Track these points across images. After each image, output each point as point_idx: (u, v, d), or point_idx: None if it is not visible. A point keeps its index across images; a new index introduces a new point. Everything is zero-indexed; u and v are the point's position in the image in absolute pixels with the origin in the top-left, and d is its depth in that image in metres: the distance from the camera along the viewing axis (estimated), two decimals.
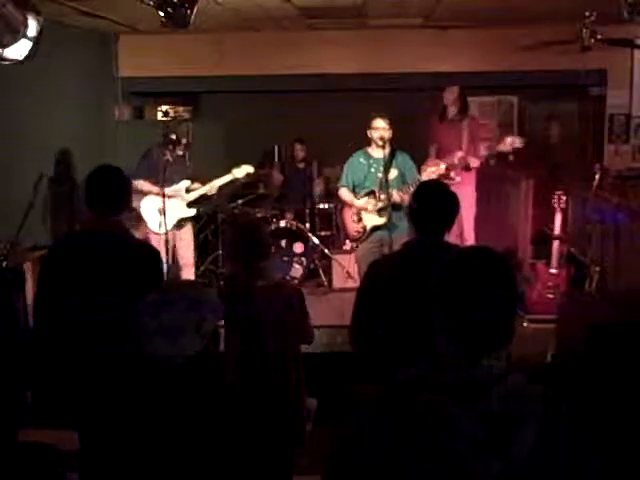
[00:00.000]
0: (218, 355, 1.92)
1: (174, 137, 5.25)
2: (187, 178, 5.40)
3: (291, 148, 7.51)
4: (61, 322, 2.88)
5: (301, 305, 3.20)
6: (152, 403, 1.76)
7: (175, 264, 5.48)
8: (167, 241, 5.14)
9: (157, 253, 3.07)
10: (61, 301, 2.89)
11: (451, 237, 5.63)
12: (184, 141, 5.33)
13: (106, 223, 2.94)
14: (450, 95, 5.91)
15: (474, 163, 5.70)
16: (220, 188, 5.52)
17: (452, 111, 5.93)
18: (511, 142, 5.50)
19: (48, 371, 2.95)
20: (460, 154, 5.68)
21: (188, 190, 5.38)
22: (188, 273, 5.57)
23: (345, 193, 5.05)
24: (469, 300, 1.37)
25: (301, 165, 7.48)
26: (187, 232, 5.56)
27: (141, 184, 5.25)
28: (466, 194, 5.86)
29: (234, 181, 5.58)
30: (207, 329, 1.81)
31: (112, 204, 2.95)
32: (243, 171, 5.45)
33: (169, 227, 5.21)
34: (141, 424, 1.75)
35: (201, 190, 5.37)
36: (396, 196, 4.68)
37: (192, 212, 5.42)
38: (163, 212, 5.00)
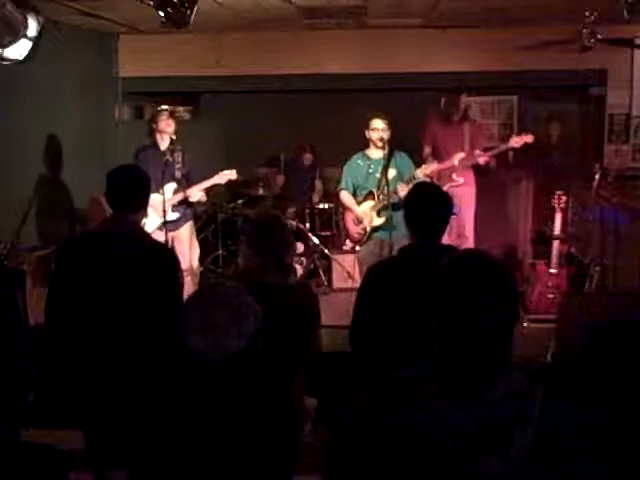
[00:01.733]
0: (263, 353, 1.93)
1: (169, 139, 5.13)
2: (178, 179, 5.24)
3: (300, 155, 7.48)
4: (77, 323, 2.88)
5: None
6: (191, 397, 1.79)
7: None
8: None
9: (174, 252, 3.06)
10: (78, 302, 2.88)
11: (452, 237, 5.70)
12: (172, 137, 5.10)
13: (123, 222, 2.95)
14: (465, 99, 5.92)
15: (482, 159, 5.69)
16: (207, 192, 5.36)
17: (458, 114, 5.92)
18: (521, 138, 5.54)
19: (61, 372, 2.95)
20: (461, 155, 5.67)
21: (175, 192, 5.23)
22: (191, 282, 5.35)
23: (346, 197, 5.05)
24: (465, 309, 1.33)
25: (303, 166, 7.48)
26: (186, 234, 5.42)
27: None
28: (467, 195, 5.87)
29: (218, 186, 5.39)
30: (248, 331, 1.84)
31: (133, 203, 2.97)
32: (224, 177, 5.25)
33: (152, 229, 5.10)
34: (180, 418, 1.78)
35: (180, 195, 5.20)
36: (394, 194, 4.68)
37: (175, 216, 5.25)
38: (163, 213, 4.91)
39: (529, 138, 5.55)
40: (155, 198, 5.02)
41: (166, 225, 4.96)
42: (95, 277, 2.85)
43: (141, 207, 3.03)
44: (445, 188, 5.51)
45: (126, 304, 2.82)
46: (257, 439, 1.79)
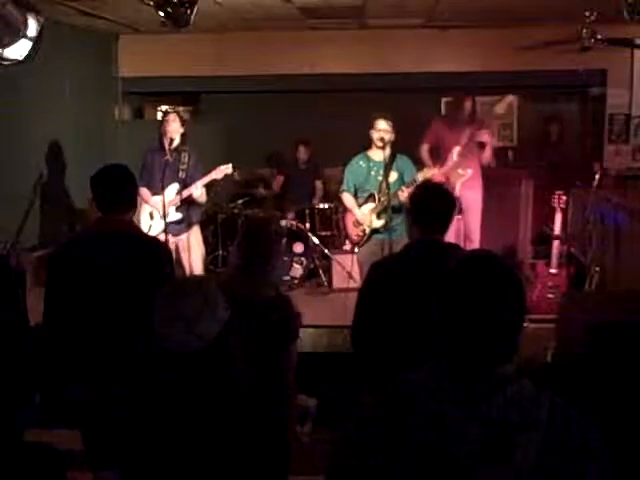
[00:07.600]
0: (229, 342, 1.92)
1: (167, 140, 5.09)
2: (182, 180, 5.19)
3: (294, 149, 7.47)
4: (73, 323, 2.88)
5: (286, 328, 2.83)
6: (171, 392, 1.79)
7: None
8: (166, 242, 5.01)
9: (168, 248, 3.04)
10: (74, 305, 2.88)
11: (460, 240, 5.68)
12: (176, 138, 5.10)
13: (114, 222, 2.94)
14: (468, 105, 5.87)
15: (484, 137, 5.64)
16: (208, 188, 5.32)
17: (464, 117, 5.87)
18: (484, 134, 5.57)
19: (59, 371, 2.95)
20: (458, 149, 5.57)
21: (178, 193, 5.16)
22: None
23: (347, 199, 5.03)
24: (471, 311, 1.32)
25: (303, 166, 7.47)
26: (195, 239, 5.39)
27: (142, 191, 5.06)
28: (474, 199, 5.84)
29: (215, 181, 5.31)
30: (222, 316, 1.84)
31: (121, 202, 2.97)
32: (221, 172, 5.20)
33: (157, 232, 5.06)
34: (165, 414, 1.78)
35: (180, 196, 5.14)
36: (394, 198, 4.67)
37: (178, 216, 5.20)
38: (164, 216, 4.87)
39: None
40: (156, 199, 5.06)
41: (167, 227, 4.93)
42: (89, 279, 2.84)
43: (129, 206, 3.01)
44: (457, 187, 5.50)
45: (121, 305, 2.82)
46: (240, 430, 1.78)
